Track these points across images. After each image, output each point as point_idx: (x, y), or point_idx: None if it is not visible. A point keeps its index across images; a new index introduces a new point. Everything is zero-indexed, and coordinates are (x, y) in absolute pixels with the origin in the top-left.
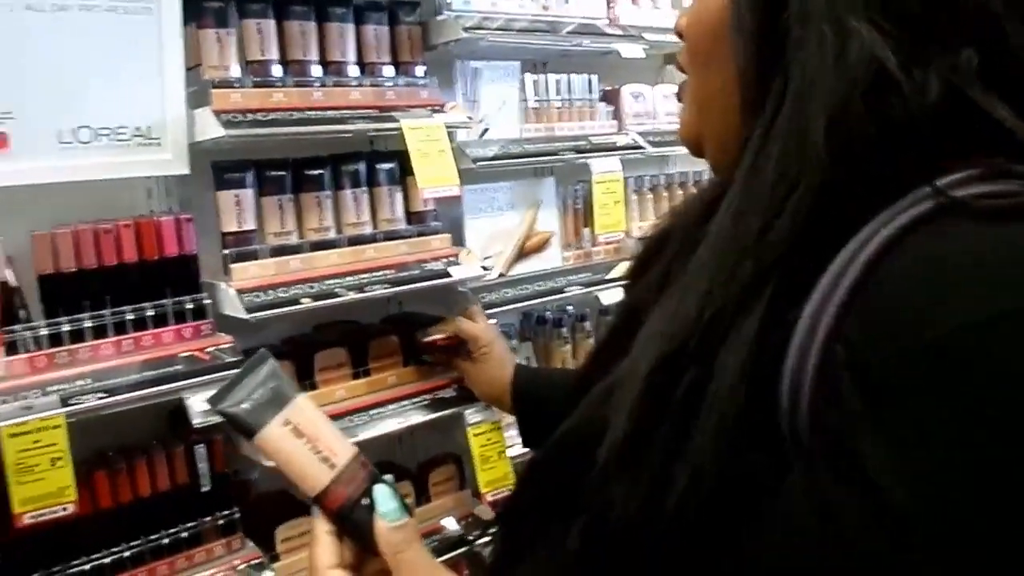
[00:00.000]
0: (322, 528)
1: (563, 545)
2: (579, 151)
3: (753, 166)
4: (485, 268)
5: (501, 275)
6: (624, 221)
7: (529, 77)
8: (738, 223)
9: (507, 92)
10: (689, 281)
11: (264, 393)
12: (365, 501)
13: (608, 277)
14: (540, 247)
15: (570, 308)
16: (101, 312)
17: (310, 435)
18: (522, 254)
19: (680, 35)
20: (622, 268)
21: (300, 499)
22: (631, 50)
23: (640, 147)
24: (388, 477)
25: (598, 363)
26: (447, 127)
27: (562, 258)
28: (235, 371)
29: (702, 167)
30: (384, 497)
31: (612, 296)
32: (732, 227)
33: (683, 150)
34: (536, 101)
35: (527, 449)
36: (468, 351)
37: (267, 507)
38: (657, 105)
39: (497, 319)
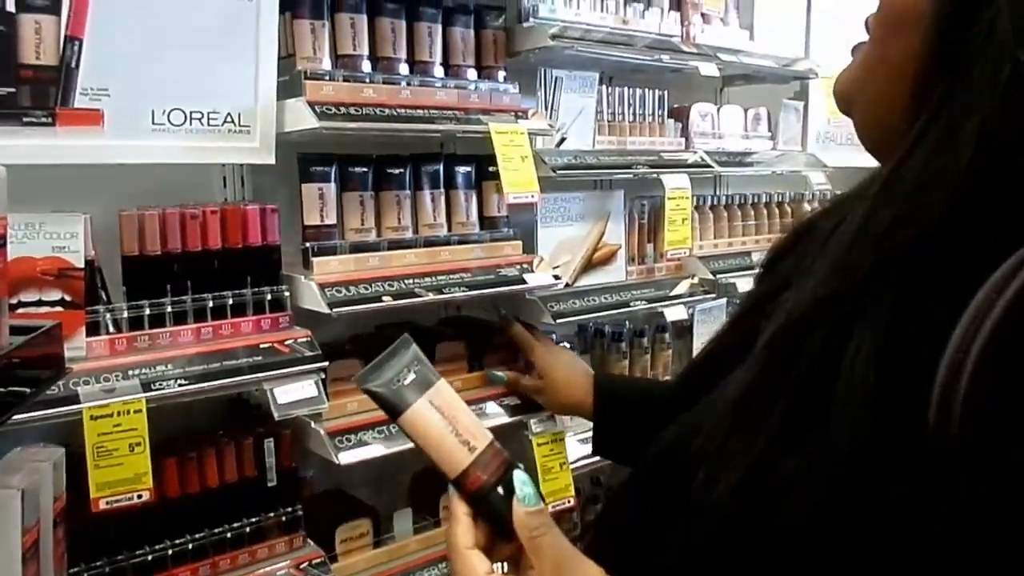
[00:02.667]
0: (461, 509)
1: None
2: (652, 166)
3: (899, 165)
4: (557, 277)
5: (568, 285)
6: (691, 238)
7: (604, 89)
8: (872, 215)
9: (585, 102)
10: (818, 267)
11: (409, 375)
12: (501, 487)
13: (672, 294)
14: (607, 260)
15: (627, 323)
16: (182, 298)
17: (451, 418)
18: (589, 265)
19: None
20: (685, 286)
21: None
22: (708, 69)
23: (709, 166)
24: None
25: (717, 348)
26: (529, 133)
27: (627, 272)
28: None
29: (757, 189)
30: (522, 483)
31: (675, 313)
32: (865, 218)
33: (746, 171)
34: (610, 113)
35: (595, 457)
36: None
37: (323, 506)
38: (722, 125)
39: (558, 331)
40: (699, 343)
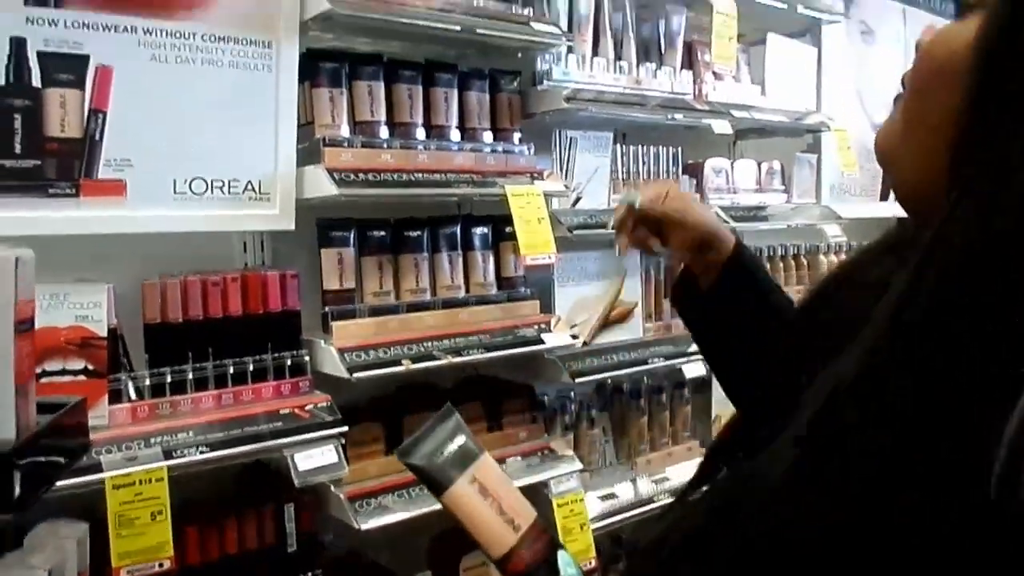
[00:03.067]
0: None
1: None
2: None
3: (942, 229)
4: (574, 337)
5: (585, 344)
6: None
7: (619, 148)
8: (918, 277)
9: (599, 162)
10: (867, 335)
11: (452, 448)
12: (545, 569)
13: (690, 350)
14: (624, 317)
15: (645, 379)
16: (203, 364)
17: (495, 495)
18: (607, 324)
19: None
20: None
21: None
22: (721, 126)
23: (724, 222)
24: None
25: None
26: (545, 194)
27: (644, 329)
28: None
29: (772, 242)
30: (566, 564)
31: (693, 370)
32: (909, 281)
33: (761, 225)
34: (625, 171)
35: (616, 516)
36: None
37: (342, 571)
38: (737, 180)
39: (576, 389)
40: (718, 398)
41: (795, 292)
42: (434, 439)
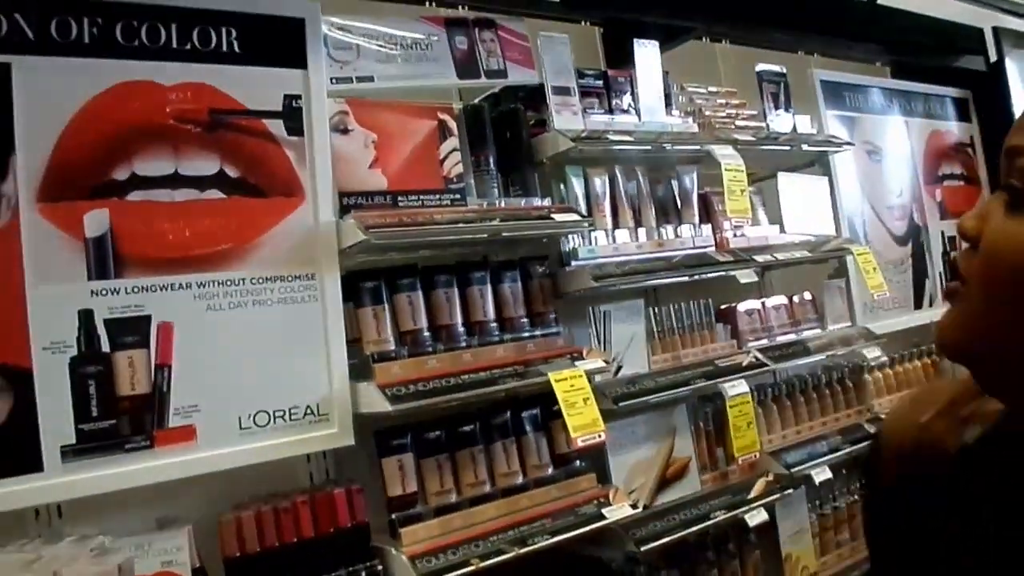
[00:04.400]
0: None
1: None
2: (708, 376)
3: None
4: (633, 506)
5: (646, 507)
6: (758, 440)
7: (651, 310)
8: None
9: (634, 329)
10: None
11: None
12: None
13: (750, 496)
14: (680, 474)
15: (709, 531)
16: None
17: None
18: (664, 483)
19: (966, 238)
20: (761, 485)
21: None
22: (746, 275)
23: (764, 364)
24: None
25: None
26: (587, 373)
27: (701, 482)
28: None
29: (816, 369)
30: None
31: (757, 516)
32: None
33: (801, 360)
34: (660, 331)
35: None
36: None
37: None
38: (770, 318)
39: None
40: (784, 538)
41: (845, 416)
42: None
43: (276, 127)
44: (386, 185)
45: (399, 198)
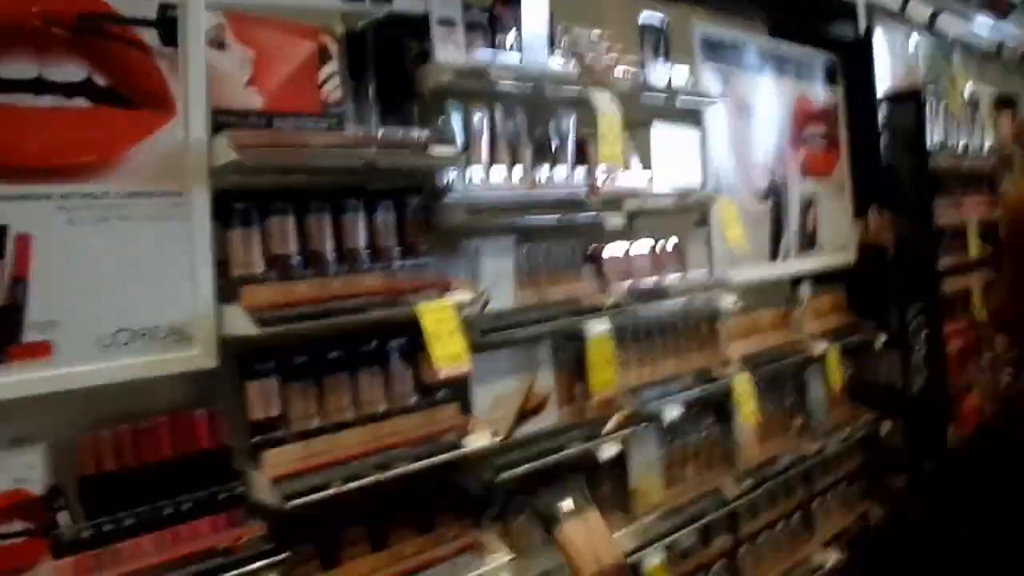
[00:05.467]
0: None
1: None
2: (571, 315)
3: None
4: (493, 436)
5: (506, 439)
6: (615, 378)
7: (522, 248)
8: None
9: (504, 264)
10: None
11: (571, 504)
12: None
13: (604, 431)
14: (540, 407)
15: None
16: (141, 509)
17: (593, 537)
18: (524, 416)
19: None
20: (615, 420)
21: None
22: (614, 221)
23: (625, 306)
24: None
25: None
26: (456, 306)
27: (558, 415)
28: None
29: (675, 314)
30: None
31: (609, 449)
32: None
33: (660, 304)
34: (529, 269)
35: None
36: None
37: None
38: (635, 263)
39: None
40: (634, 471)
41: (698, 359)
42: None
43: (149, 36)
44: (262, 105)
45: (275, 119)
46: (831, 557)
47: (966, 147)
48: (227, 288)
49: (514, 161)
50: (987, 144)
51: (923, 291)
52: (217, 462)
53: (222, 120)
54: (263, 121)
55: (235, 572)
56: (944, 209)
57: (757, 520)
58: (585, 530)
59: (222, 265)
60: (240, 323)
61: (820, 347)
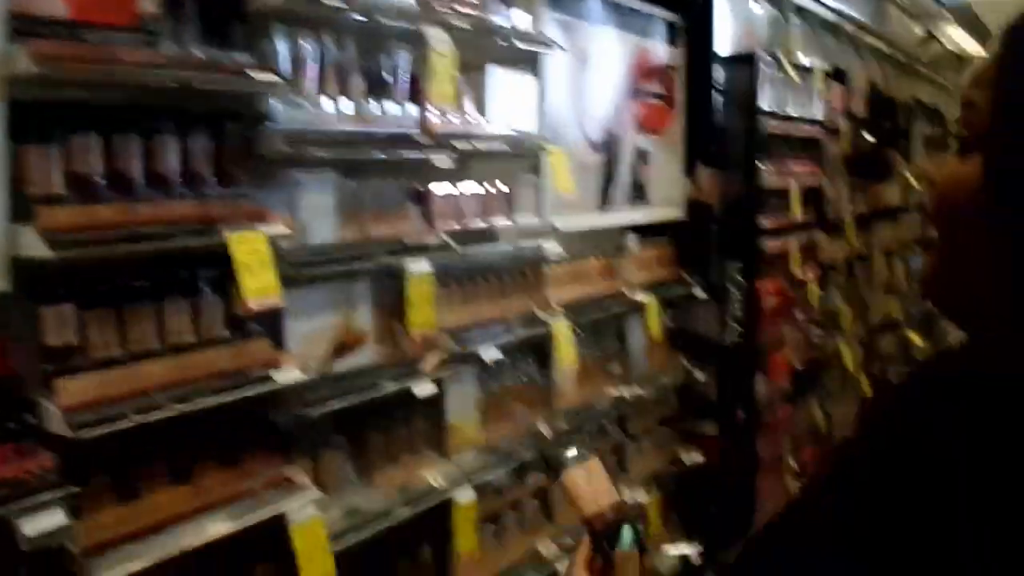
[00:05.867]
0: (583, 547)
1: None
2: (394, 252)
3: None
4: (304, 370)
5: (320, 373)
6: (434, 318)
7: (345, 183)
8: None
9: (325, 200)
10: None
11: (576, 451)
12: (611, 532)
13: (421, 370)
14: (356, 345)
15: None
16: None
17: (593, 482)
18: (339, 352)
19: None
20: (432, 360)
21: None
22: (442, 160)
23: (450, 247)
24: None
25: None
26: (270, 238)
27: (376, 354)
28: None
29: (500, 257)
30: (625, 531)
31: (425, 388)
32: None
33: (488, 247)
34: (351, 206)
35: None
36: None
37: None
38: (463, 204)
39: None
40: (450, 410)
41: (521, 303)
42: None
43: None
44: (68, 13)
45: (82, 30)
46: (642, 496)
47: (796, 114)
48: (22, 208)
49: (343, 94)
50: (817, 113)
51: (743, 249)
52: (6, 390)
53: (21, 27)
54: (69, 30)
55: (21, 504)
56: (771, 172)
57: None
58: (587, 475)
59: (17, 183)
60: (34, 245)
61: (642, 297)
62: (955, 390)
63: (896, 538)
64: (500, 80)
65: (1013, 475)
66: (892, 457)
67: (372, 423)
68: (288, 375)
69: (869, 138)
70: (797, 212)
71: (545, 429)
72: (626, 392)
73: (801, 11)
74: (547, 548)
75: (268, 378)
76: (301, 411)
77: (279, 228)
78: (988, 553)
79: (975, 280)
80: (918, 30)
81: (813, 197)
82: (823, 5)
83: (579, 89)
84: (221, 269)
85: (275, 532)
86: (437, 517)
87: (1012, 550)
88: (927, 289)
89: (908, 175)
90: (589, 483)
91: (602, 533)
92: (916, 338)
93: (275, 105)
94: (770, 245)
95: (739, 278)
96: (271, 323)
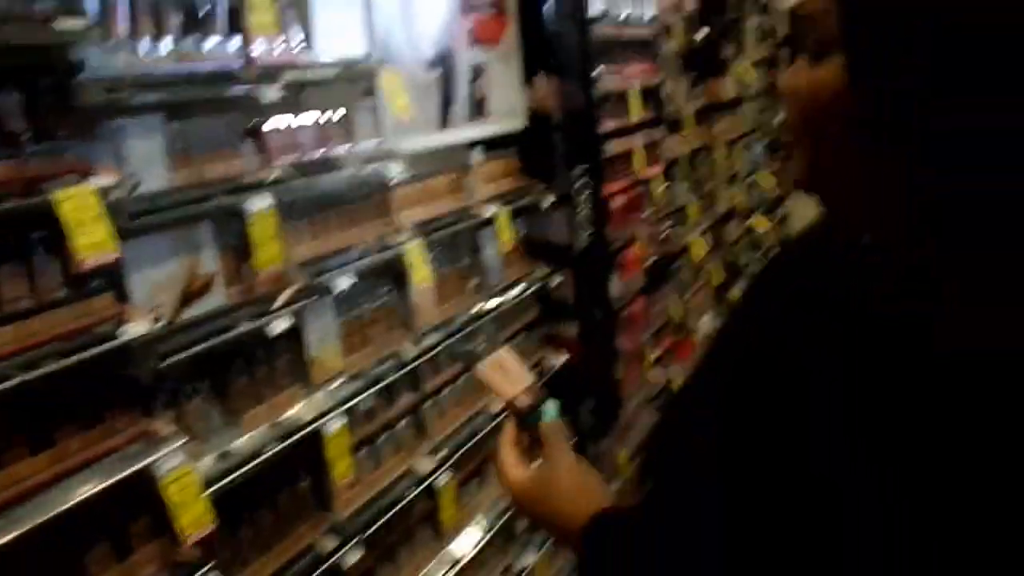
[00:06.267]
0: (508, 425)
1: None
2: (230, 193)
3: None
4: (155, 321)
5: (169, 323)
6: (281, 253)
7: (173, 126)
8: None
9: (152, 146)
10: None
11: (484, 345)
12: (531, 409)
13: (275, 306)
14: (205, 289)
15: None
16: None
17: (506, 370)
18: (188, 299)
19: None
20: (285, 295)
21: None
22: (271, 93)
23: (288, 180)
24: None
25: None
26: (99, 191)
27: (227, 296)
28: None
29: (343, 185)
30: (549, 405)
31: (281, 324)
32: None
33: (325, 176)
34: (181, 149)
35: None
36: None
37: None
38: (299, 135)
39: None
40: (311, 342)
41: (371, 228)
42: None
43: None
44: None
45: None
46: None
47: (628, 16)
48: None
49: (159, 33)
50: (648, 13)
51: (586, 154)
52: None
53: None
54: None
55: None
56: (608, 76)
57: (439, 376)
58: (499, 364)
59: None
60: None
61: (491, 210)
62: (813, 304)
63: (754, 455)
64: (326, 4)
65: (867, 391)
66: (750, 372)
67: (233, 365)
68: (136, 328)
69: (702, 33)
70: (637, 112)
71: (408, 349)
72: (485, 304)
73: None
74: (423, 464)
75: (114, 335)
76: (156, 363)
77: (107, 180)
78: (840, 465)
79: (847, 177)
80: None
81: (652, 96)
82: None
83: (409, 7)
84: (52, 229)
85: (146, 486)
86: (310, 448)
87: (865, 461)
88: (802, 186)
89: (742, 67)
90: (503, 371)
91: (525, 413)
92: (761, 224)
93: (88, 52)
94: (614, 146)
95: (585, 182)
96: (112, 278)
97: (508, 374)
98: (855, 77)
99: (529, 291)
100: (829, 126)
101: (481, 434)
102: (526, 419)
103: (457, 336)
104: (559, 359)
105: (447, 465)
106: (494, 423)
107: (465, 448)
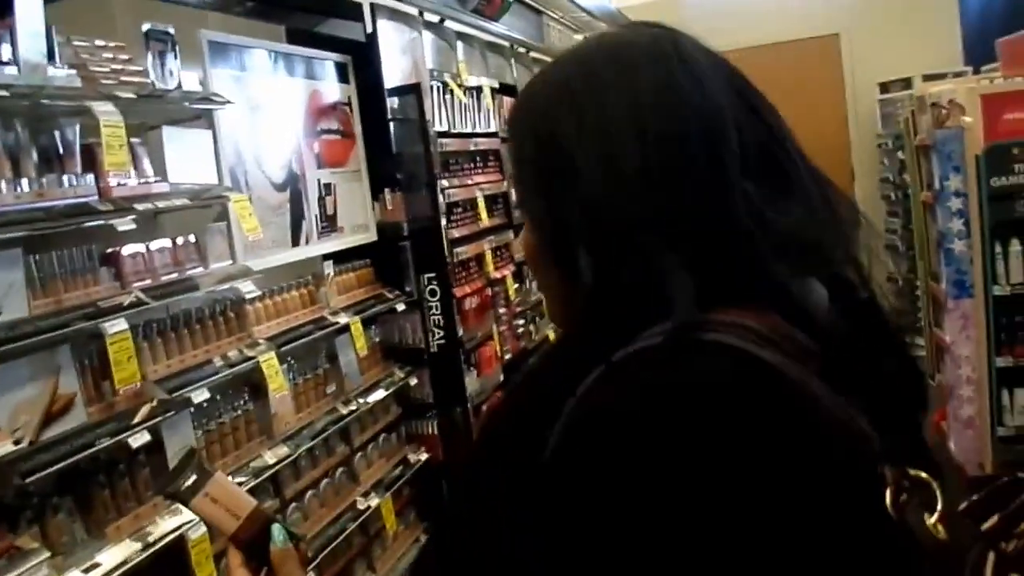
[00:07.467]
0: (234, 557)
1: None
2: (88, 318)
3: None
4: (17, 442)
5: (32, 443)
6: (138, 371)
7: (31, 258)
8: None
9: (12, 277)
10: None
11: (194, 477)
12: (260, 537)
13: (135, 422)
14: (66, 409)
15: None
16: None
17: (223, 500)
18: (48, 419)
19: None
20: (144, 411)
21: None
22: (124, 224)
23: (144, 303)
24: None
25: None
26: None
27: (87, 414)
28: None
29: (201, 303)
30: (276, 531)
31: (141, 437)
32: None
33: (179, 298)
34: (41, 277)
35: None
36: None
37: None
38: (154, 260)
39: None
40: (171, 454)
41: (228, 343)
42: (183, 474)
43: None
44: None
45: None
46: (375, 501)
47: (473, 129)
48: None
49: (17, 174)
50: (491, 126)
51: (434, 260)
52: None
53: None
54: None
55: None
56: (455, 186)
57: (301, 481)
58: (214, 496)
59: None
60: None
61: (345, 319)
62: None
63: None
64: (176, 138)
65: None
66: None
67: (95, 480)
68: (1, 449)
69: None
70: (485, 218)
71: (268, 456)
72: (343, 408)
73: (465, 37)
74: None
75: None
76: (20, 480)
77: None
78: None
79: (564, 304)
80: (578, 39)
81: (501, 201)
82: (484, 31)
83: (256, 136)
84: None
85: None
86: (174, 555)
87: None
88: (555, 321)
89: None
90: (220, 502)
91: (252, 541)
92: None
93: None
94: (466, 251)
95: (435, 287)
96: None
97: (226, 502)
98: (543, 230)
99: (388, 393)
100: (543, 270)
101: (346, 532)
102: (254, 548)
103: (318, 439)
104: (421, 456)
105: (312, 565)
106: (360, 519)
107: (331, 547)
